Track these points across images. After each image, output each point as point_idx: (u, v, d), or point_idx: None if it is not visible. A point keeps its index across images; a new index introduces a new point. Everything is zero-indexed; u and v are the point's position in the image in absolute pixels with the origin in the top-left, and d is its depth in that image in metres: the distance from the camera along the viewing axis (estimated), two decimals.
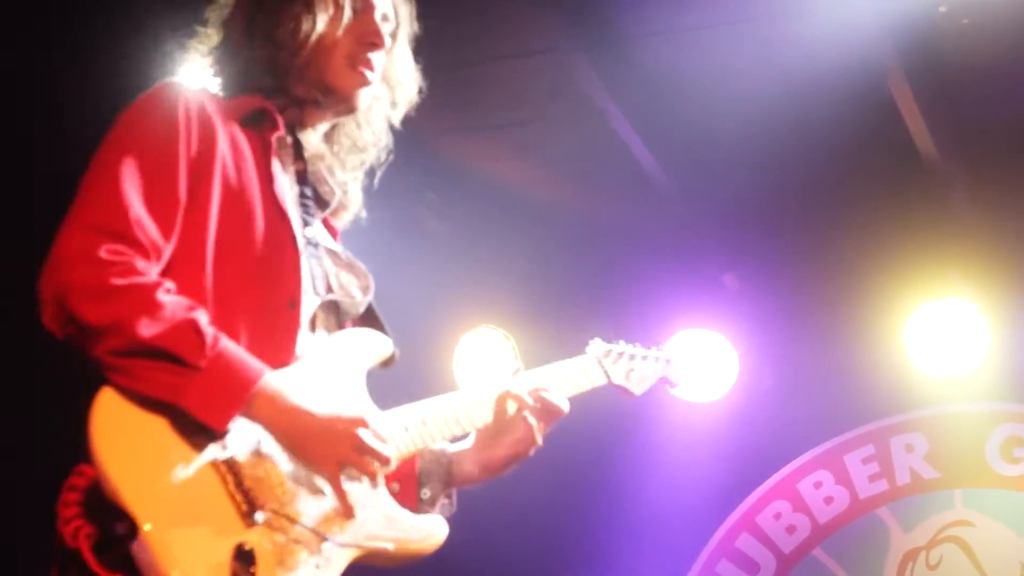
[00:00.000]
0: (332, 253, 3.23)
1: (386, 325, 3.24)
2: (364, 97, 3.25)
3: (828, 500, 7.37)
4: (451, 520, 3.31)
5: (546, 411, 3.33)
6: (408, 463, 3.25)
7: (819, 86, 5.95)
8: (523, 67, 6.11)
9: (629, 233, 7.29)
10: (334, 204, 3.27)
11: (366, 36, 3.22)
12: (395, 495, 3.13)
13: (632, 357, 3.65)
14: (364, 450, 2.89)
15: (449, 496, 3.36)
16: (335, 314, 3.19)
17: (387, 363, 3.20)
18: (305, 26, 3.16)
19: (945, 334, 7.01)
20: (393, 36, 3.32)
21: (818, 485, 7.39)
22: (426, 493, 3.29)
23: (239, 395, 2.78)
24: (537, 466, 7.26)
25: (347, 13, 3.21)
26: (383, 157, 3.41)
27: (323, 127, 3.29)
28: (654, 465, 7.42)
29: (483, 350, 7.35)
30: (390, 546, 2.98)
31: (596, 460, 7.48)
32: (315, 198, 3.24)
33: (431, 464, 3.33)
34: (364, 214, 3.40)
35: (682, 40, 5.97)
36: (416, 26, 3.38)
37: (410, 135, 6.42)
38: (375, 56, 3.23)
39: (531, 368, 3.47)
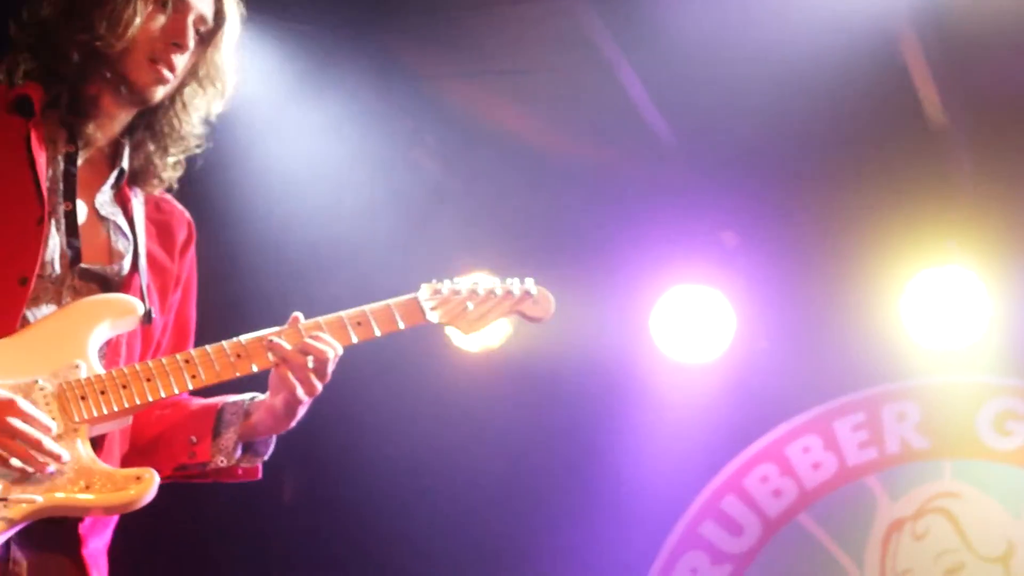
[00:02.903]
0: (102, 221, 3.38)
1: (145, 287, 3.37)
2: (159, 92, 3.40)
3: (816, 466, 7.33)
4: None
5: (313, 356, 3.33)
6: (207, 415, 3.41)
7: (830, 45, 5.86)
8: (531, 13, 6.02)
9: (629, 185, 7.22)
10: (112, 178, 3.42)
11: (172, 36, 3.36)
12: (194, 447, 3.36)
13: (471, 296, 3.54)
14: (9, 433, 3.05)
15: (254, 446, 3.46)
16: (100, 281, 3.34)
17: (143, 321, 3.33)
18: (125, 19, 3.31)
19: (943, 302, 6.96)
20: (210, 36, 3.45)
21: (807, 450, 7.35)
22: (224, 443, 3.40)
23: None
24: (526, 422, 7.32)
25: (162, 13, 3.37)
26: (201, 146, 3.56)
27: (124, 115, 3.43)
28: (643, 424, 7.38)
29: None
30: (77, 497, 3.12)
31: (585, 419, 7.45)
32: (97, 175, 3.41)
33: (231, 415, 3.42)
34: (175, 186, 3.57)
35: None
36: (241, 31, 3.55)
37: (411, 77, 6.45)
38: (177, 56, 3.38)
39: None
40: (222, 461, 3.39)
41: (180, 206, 3.58)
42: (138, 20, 3.31)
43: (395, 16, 6.01)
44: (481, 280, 3.59)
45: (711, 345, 7.34)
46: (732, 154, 6.90)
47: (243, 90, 5.62)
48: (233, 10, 3.50)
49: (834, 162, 6.89)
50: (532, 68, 6.39)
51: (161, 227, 3.50)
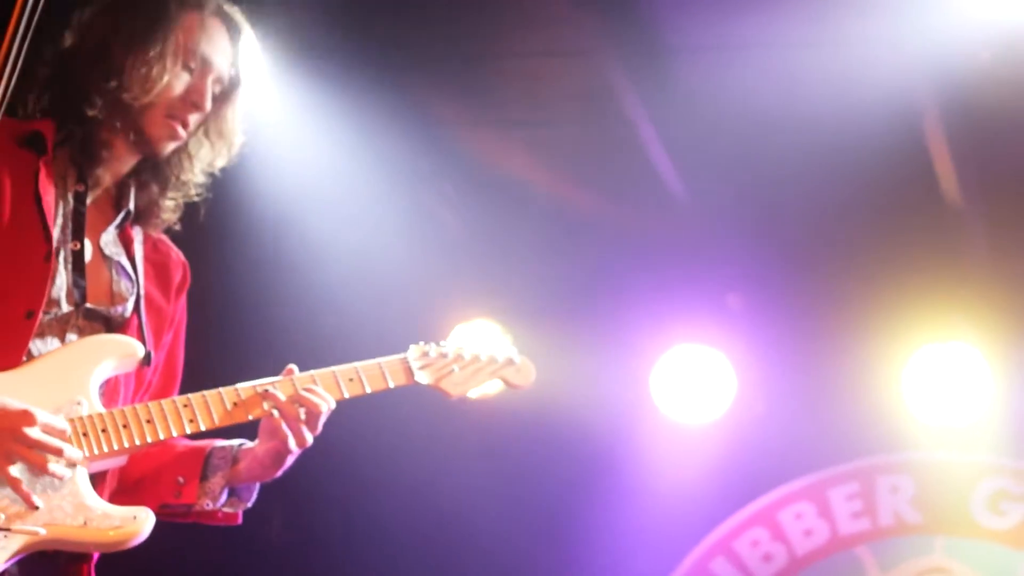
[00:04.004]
0: (106, 261, 3.43)
1: (145, 329, 3.42)
2: (170, 147, 3.46)
3: (807, 532, 7.31)
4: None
5: (306, 409, 3.40)
6: (195, 458, 3.47)
7: (852, 119, 5.87)
8: (558, 67, 6.04)
9: (639, 242, 7.21)
10: (118, 219, 3.46)
11: (191, 95, 3.44)
12: (180, 487, 3.42)
13: (457, 359, 3.68)
14: (28, 443, 3.09)
15: (239, 492, 3.51)
16: (103, 321, 3.39)
17: (142, 363, 3.38)
18: (155, 75, 3.38)
19: (945, 378, 6.97)
20: (224, 96, 3.53)
21: (799, 516, 7.34)
22: (211, 486, 3.46)
23: None
24: (524, 477, 7.27)
25: (187, 72, 3.44)
26: (201, 194, 3.60)
27: (132, 159, 3.48)
28: (637, 481, 7.34)
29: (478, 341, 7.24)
30: (75, 532, 3.18)
31: (579, 473, 7.40)
32: (102, 215, 3.45)
33: (219, 460, 3.49)
34: (177, 226, 3.60)
35: (720, 58, 5.89)
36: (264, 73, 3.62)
37: (432, 123, 6.43)
38: (193, 116, 3.45)
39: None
40: (208, 504, 3.47)
41: (175, 248, 3.64)
42: (166, 78, 3.38)
43: (420, 62, 6.00)
44: (467, 344, 3.71)
45: (710, 406, 7.33)
46: (744, 217, 6.91)
47: (265, 129, 5.61)
48: (248, 72, 3.59)
49: (846, 231, 6.90)
50: (552, 121, 6.41)
51: (159, 268, 3.56)
